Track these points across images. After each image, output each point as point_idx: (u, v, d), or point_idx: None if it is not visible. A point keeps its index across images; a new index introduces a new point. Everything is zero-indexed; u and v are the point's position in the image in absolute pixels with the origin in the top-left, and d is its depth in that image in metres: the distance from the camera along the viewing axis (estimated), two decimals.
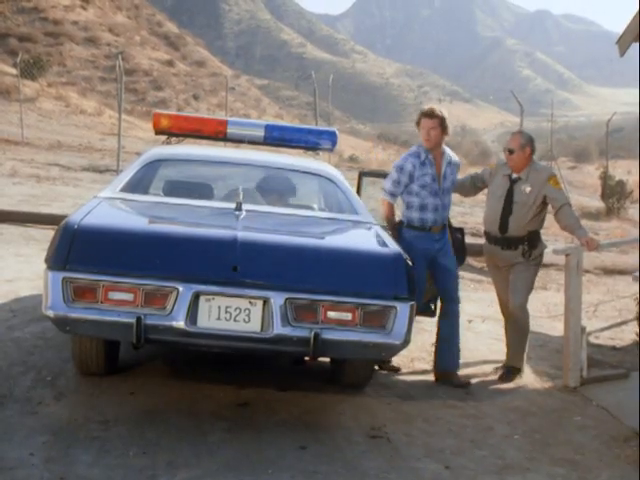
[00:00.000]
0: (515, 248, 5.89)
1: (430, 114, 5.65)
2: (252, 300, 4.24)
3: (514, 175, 5.93)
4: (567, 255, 5.80)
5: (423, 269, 5.59)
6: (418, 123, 5.69)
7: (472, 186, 6.25)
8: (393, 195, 5.76)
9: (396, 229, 5.71)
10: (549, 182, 5.89)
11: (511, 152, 5.90)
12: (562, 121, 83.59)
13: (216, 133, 6.65)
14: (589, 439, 4.81)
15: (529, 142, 5.92)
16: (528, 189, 5.86)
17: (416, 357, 6.27)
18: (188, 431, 4.33)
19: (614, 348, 7.32)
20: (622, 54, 9.80)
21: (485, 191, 6.22)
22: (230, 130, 6.60)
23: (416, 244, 5.56)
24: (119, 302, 4.18)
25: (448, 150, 5.84)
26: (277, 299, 4.22)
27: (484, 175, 6.16)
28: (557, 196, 5.88)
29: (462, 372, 5.86)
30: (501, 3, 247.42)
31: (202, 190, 5.71)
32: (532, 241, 5.92)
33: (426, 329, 6.65)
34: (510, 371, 5.95)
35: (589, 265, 12.21)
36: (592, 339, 7.63)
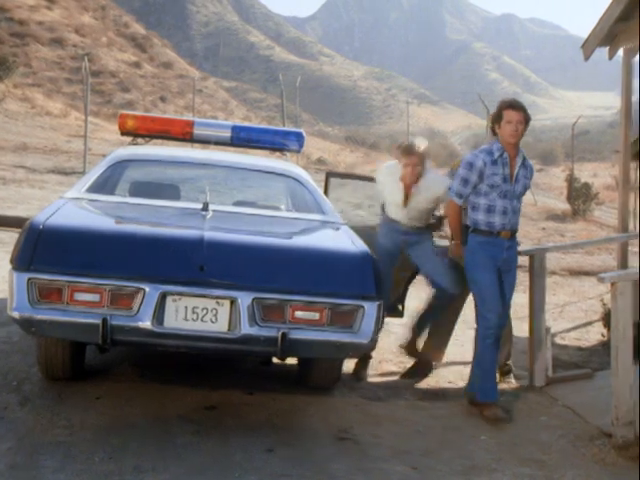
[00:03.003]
0: None
1: (519, 106, 5.17)
2: (219, 300, 4.22)
3: None
4: (531, 256, 5.84)
5: (491, 278, 5.19)
6: (499, 116, 5.16)
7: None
8: (461, 196, 5.26)
9: (462, 237, 5.36)
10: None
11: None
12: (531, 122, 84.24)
13: (183, 134, 6.61)
14: (555, 438, 4.84)
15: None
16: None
17: (384, 359, 6.27)
18: (155, 435, 4.30)
19: (580, 348, 7.39)
20: (587, 58, 9.91)
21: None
22: (197, 131, 6.57)
23: (482, 251, 5.20)
24: (85, 303, 4.14)
25: (524, 151, 5.37)
26: (244, 299, 4.21)
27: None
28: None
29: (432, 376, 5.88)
30: (468, 7, 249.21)
31: (169, 191, 5.68)
32: None
33: (393, 331, 6.66)
34: None
35: (555, 266, 12.32)
36: (558, 340, 7.70)
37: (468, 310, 6.37)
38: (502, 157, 5.16)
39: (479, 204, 5.21)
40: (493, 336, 5.19)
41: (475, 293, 5.31)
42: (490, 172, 5.14)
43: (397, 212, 5.77)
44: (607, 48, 9.67)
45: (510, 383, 5.96)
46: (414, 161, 5.62)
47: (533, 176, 5.45)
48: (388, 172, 5.84)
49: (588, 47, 9.70)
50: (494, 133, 5.24)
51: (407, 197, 5.69)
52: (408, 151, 5.65)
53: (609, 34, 9.29)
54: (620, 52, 9.55)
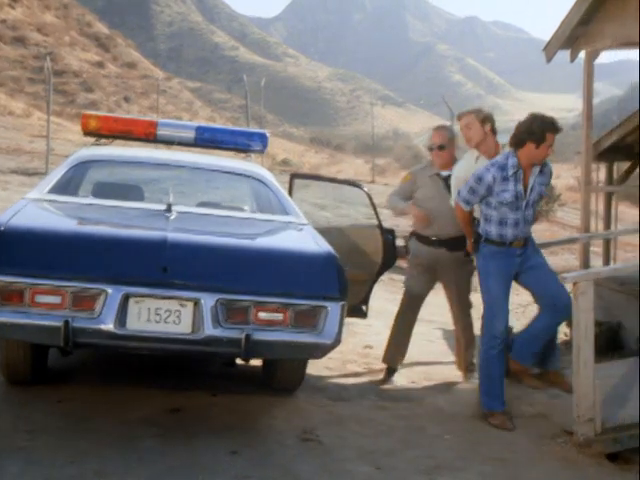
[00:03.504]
0: (459, 249, 5.89)
1: (559, 130, 4.98)
2: (182, 301, 4.20)
3: (444, 173, 5.91)
4: None
5: (501, 288, 5.13)
6: (541, 137, 4.89)
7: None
8: (467, 203, 5.17)
9: (474, 239, 5.29)
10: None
11: (442, 148, 5.87)
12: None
13: (146, 134, 6.56)
14: (518, 436, 4.89)
15: (454, 134, 5.97)
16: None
17: (349, 360, 6.28)
18: (118, 439, 4.26)
19: None
20: (549, 60, 10.02)
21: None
22: (160, 132, 6.52)
23: (494, 260, 5.12)
24: (46, 305, 4.10)
25: None
26: (208, 300, 4.19)
27: (407, 188, 6.06)
28: None
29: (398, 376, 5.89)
30: (432, 9, 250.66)
31: (132, 192, 5.63)
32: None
33: (358, 332, 6.67)
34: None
35: None
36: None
37: (434, 309, 6.41)
38: (516, 174, 4.99)
39: (491, 216, 5.09)
40: (499, 346, 5.12)
41: (484, 301, 5.24)
42: (500, 189, 4.99)
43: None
44: (569, 51, 9.79)
45: (475, 383, 5.99)
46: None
47: (551, 179, 5.32)
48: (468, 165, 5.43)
49: (550, 50, 9.82)
50: (517, 145, 4.99)
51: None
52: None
53: (571, 37, 9.40)
54: (582, 55, 9.67)
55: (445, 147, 5.88)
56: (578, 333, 4.72)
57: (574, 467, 4.46)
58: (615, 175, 12.67)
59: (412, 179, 6.07)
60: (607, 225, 11.21)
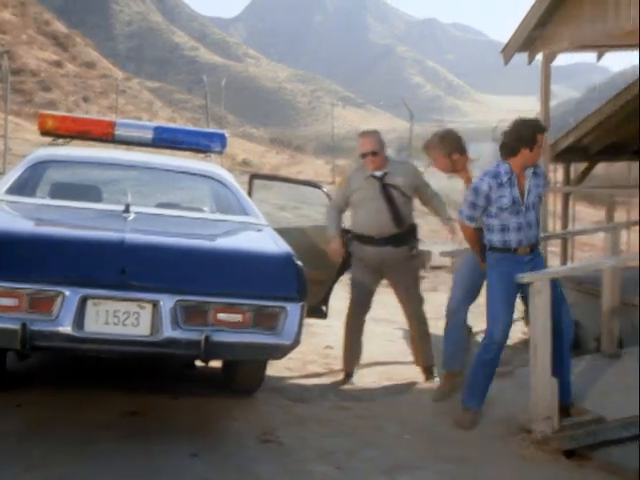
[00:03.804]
0: (404, 244, 5.96)
1: (545, 128, 5.09)
2: (141, 303, 4.16)
3: (378, 173, 5.96)
4: (453, 257, 5.94)
5: (503, 295, 5.02)
6: (533, 140, 4.88)
7: (344, 208, 6.14)
8: (471, 219, 5.10)
9: (481, 254, 5.21)
10: (417, 173, 6.05)
11: (375, 154, 5.92)
12: (452, 127, 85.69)
13: (104, 135, 6.49)
14: (476, 435, 4.93)
15: (381, 135, 6.03)
16: (401, 180, 5.94)
17: (309, 360, 6.29)
18: (78, 442, 4.21)
19: None
20: (507, 62, 10.14)
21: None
22: (118, 132, 6.45)
23: (499, 267, 5.04)
24: (3, 308, 4.03)
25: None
26: (167, 302, 4.16)
27: (342, 195, 6.09)
28: (426, 184, 6.09)
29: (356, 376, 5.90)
30: (392, 11, 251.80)
31: (89, 192, 5.58)
32: (414, 234, 6.03)
33: (318, 332, 6.68)
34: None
35: None
36: (480, 339, 7.82)
37: (394, 310, 6.44)
38: (510, 179, 4.96)
39: (493, 225, 5.04)
40: (493, 351, 5.11)
41: (488, 307, 5.17)
42: (497, 195, 4.96)
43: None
44: (527, 53, 9.91)
45: (434, 383, 6.03)
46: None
47: (547, 182, 5.29)
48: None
49: (508, 52, 9.94)
50: (510, 154, 4.97)
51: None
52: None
53: (528, 39, 9.52)
54: (539, 57, 9.79)
55: (378, 153, 5.95)
56: (535, 332, 4.77)
57: (532, 464, 4.51)
58: (572, 176, 12.86)
59: (347, 183, 6.11)
60: (565, 225, 11.36)
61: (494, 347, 5.11)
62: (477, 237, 5.21)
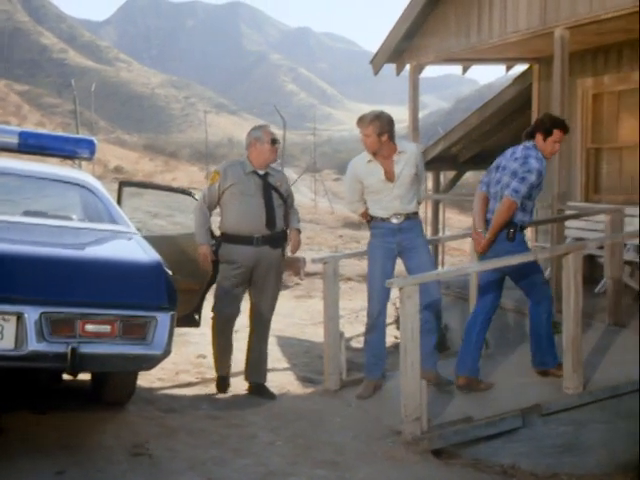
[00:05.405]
0: (280, 247, 5.96)
1: (567, 130, 5.49)
2: (5, 316, 4.00)
3: (261, 171, 5.96)
4: (324, 263, 6.00)
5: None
6: (549, 131, 5.35)
7: (214, 206, 6.04)
8: (519, 198, 5.34)
9: (509, 229, 5.40)
10: (288, 182, 6.20)
11: (275, 142, 5.96)
12: (326, 135, 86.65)
13: None
14: (349, 439, 4.98)
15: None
16: (279, 185, 6.00)
17: (181, 370, 6.21)
18: None
19: None
20: (376, 73, 10.37)
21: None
22: None
23: (524, 244, 5.54)
24: None
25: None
26: (31, 314, 4.02)
27: (218, 188, 5.93)
28: (292, 194, 6.20)
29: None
30: (265, 19, 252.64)
31: None
32: (286, 238, 6.06)
33: (191, 341, 6.61)
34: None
35: (351, 273, 12.74)
36: (354, 343, 7.96)
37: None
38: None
39: (527, 205, 5.40)
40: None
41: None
42: (541, 179, 5.38)
43: (384, 199, 5.55)
44: (395, 64, 10.15)
45: (306, 387, 6.07)
46: (366, 132, 5.44)
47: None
48: (355, 165, 5.66)
49: (377, 63, 10.16)
50: (528, 137, 5.43)
51: (388, 171, 5.48)
52: (358, 122, 5.54)
53: (396, 51, 9.76)
54: (407, 68, 10.05)
55: (277, 142, 6.01)
56: (405, 335, 4.88)
57: (401, 465, 4.60)
58: (442, 183, 13.27)
59: (222, 176, 5.95)
60: (435, 231, 11.70)
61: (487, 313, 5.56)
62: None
